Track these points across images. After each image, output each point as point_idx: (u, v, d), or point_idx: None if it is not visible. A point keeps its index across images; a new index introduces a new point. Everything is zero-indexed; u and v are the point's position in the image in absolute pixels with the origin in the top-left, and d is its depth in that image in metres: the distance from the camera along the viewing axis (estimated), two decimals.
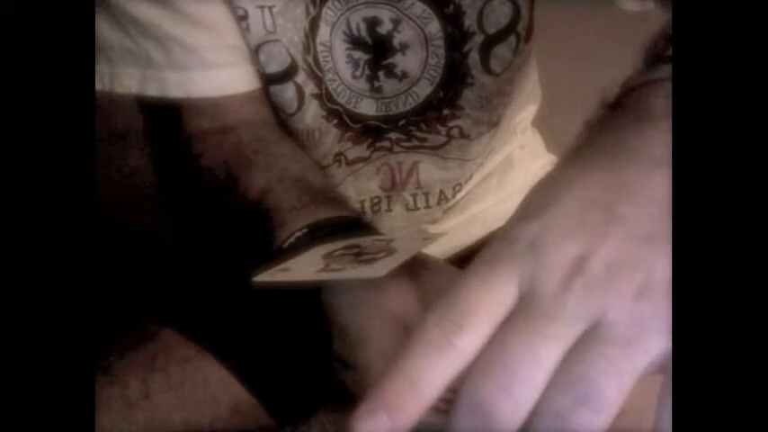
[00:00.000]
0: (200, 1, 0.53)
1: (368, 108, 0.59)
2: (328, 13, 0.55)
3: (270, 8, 0.54)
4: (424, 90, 0.58)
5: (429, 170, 0.63)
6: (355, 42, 0.56)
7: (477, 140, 0.62)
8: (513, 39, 0.57)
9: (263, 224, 0.48)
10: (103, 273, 0.41)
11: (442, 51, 0.57)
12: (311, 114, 0.59)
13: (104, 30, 0.55)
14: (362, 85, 0.58)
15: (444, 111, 0.60)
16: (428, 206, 0.64)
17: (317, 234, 0.44)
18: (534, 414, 0.24)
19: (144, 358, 0.54)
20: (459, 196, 0.65)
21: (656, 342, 0.24)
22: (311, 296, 0.40)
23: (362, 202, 0.63)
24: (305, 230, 0.44)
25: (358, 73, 0.57)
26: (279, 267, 0.39)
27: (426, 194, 0.64)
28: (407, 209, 0.64)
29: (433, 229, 0.66)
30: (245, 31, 0.55)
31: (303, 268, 0.38)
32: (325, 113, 0.59)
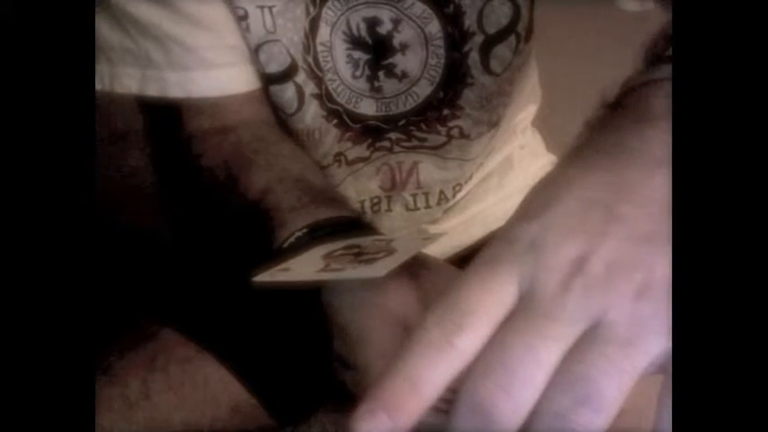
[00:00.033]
0: (200, 1, 0.53)
1: (368, 108, 0.59)
2: (328, 13, 0.55)
3: (270, 8, 0.54)
4: (424, 90, 0.58)
5: (429, 170, 0.63)
6: (355, 42, 0.56)
7: (477, 140, 0.62)
8: (513, 39, 0.57)
9: (263, 224, 0.48)
10: (103, 273, 0.41)
11: (442, 51, 0.57)
12: (311, 114, 0.59)
13: (104, 30, 0.55)
14: (362, 85, 0.58)
15: (444, 111, 0.60)
16: (428, 206, 0.64)
17: (317, 234, 0.44)
18: (534, 414, 0.24)
19: (144, 358, 0.54)
20: (459, 196, 0.65)
21: (655, 342, 0.24)
22: (311, 296, 0.40)
23: (362, 202, 0.63)
24: (305, 230, 0.44)
25: (358, 73, 0.57)
26: (279, 267, 0.39)
27: (426, 194, 0.64)
28: (407, 209, 0.64)
29: (433, 229, 0.66)
30: (245, 31, 0.55)
31: (303, 268, 0.38)
32: (325, 113, 0.59)
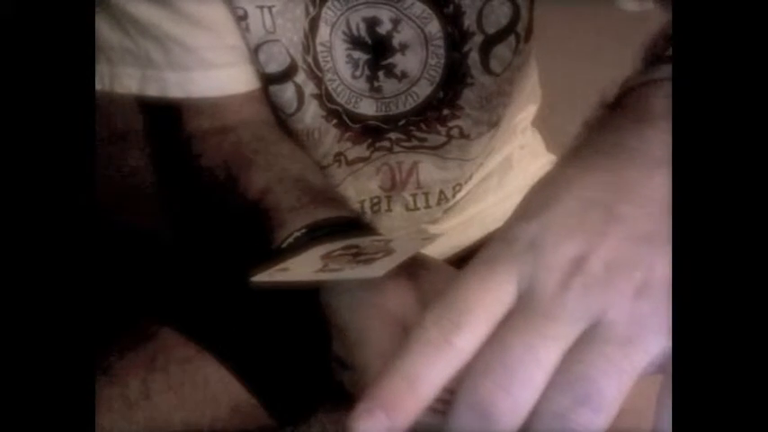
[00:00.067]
0: (200, 1, 0.53)
1: (367, 108, 0.59)
2: (328, 13, 0.55)
3: (269, 8, 0.54)
4: (423, 90, 0.58)
5: (429, 170, 0.63)
6: (355, 42, 0.56)
7: (477, 140, 0.62)
8: (512, 39, 0.57)
9: (263, 224, 0.48)
10: (103, 273, 0.41)
11: (441, 51, 0.57)
12: (311, 114, 0.59)
13: (104, 30, 0.55)
14: (362, 85, 0.58)
15: (444, 111, 0.60)
16: (428, 206, 0.64)
17: (316, 234, 0.44)
18: (534, 414, 0.24)
19: (144, 358, 0.54)
20: (458, 196, 0.65)
21: (655, 341, 0.24)
22: (310, 296, 0.40)
23: (362, 202, 0.63)
24: (304, 231, 0.44)
25: (358, 73, 0.57)
26: (277, 267, 0.39)
27: (426, 194, 0.64)
28: (407, 209, 0.64)
29: (432, 229, 0.66)
30: (244, 31, 0.55)
31: (302, 268, 0.38)
32: (324, 113, 0.59)
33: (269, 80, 0.57)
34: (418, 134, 0.61)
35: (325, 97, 0.58)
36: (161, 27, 0.54)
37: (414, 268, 0.39)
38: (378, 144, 0.61)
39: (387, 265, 0.35)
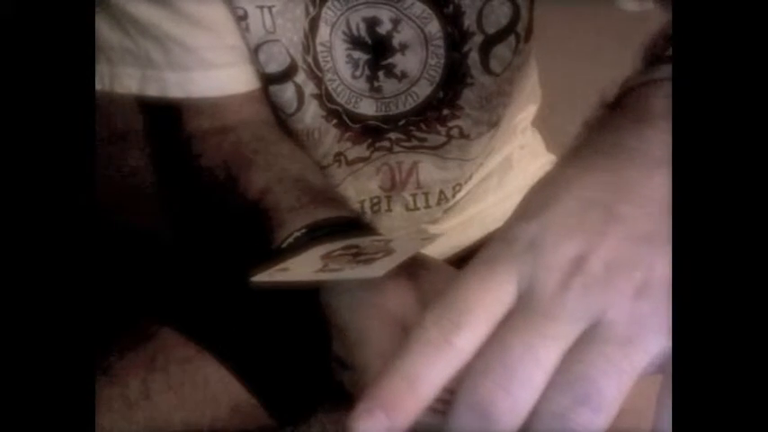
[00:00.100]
0: (200, 1, 0.53)
1: (367, 108, 0.59)
2: (328, 13, 0.55)
3: (269, 8, 0.54)
4: (423, 90, 0.58)
5: (429, 170, 0.63)
6: (355, 42, 0.56)
7: (477, 140, 0.62)
8: (512, 39, 0.57)
9: (263, 224, 0.48)
10: (103, 273, 0.41)
11: (441, 51, 0.57)
12: (311, 114, 0.59)
13: (104, 30, 0.55)
14: (362, 85, 0.58)
15: (444, 111, 0.60)
16: (428, 206, 0.64)
17: (316, 234, 0.44)
18: (534, 414, 0.24)
19: (144, 358, 0.54)
20: (458, 196, 0.65)
21: (655, 341, 0.24)
22: (310, 296, 0.40)
23: (362, 202, 0.63)
24: (303, 231, 0.44)
25: (358, 73, 0.57)
26: (277, 267, 0.39)
27: (426, 194, 0.64)
28: (407, 209, 0.64)
29: (432, 229, 0.66)
30: (244, 31, 0.55)
31: (301, 268, 0.38)
32: (324, 113, 0.59)
33: (269, 80, 0.57)
34: (418, 134, 0.61)
35: (325, 97, 0.58)
36: (161, 27, 0.54)
37: (414, 268, 0.39)
38: (378, 144, 0.61)
39: (387, 265, 0.35)
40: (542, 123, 0.74)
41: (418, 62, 0.57)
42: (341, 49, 0.56)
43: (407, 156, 0.62)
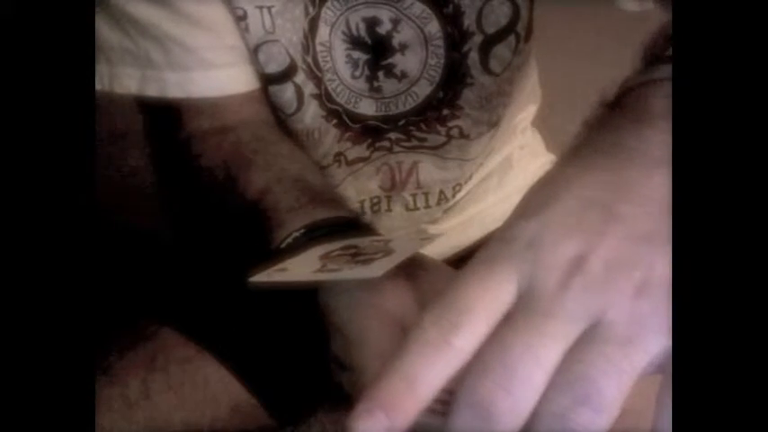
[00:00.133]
0: (200, 1, 0.53)
1: (367, 108, 0.59)
2: (327, 13, 0.55)
3: (269, 8, 0.54)
4: (423, 90, 0.58)
5: (429, 170, 0.63)
6: (355, 42, 0.56)
7: (477, 140, 0.62)
8: (512, 39, 0.57)
9: (262, 224, 0.48)
10: (103, 273, 0.41)
11: (441, 51, 0.57)
12: (311, 114, 0.59)
13: (104, 30, 0.55)
14: (362, 85, 0.58)
15: (444, 111, 0.60)
16: (428, 206, 0.64)
17: (315, 234, 0.44)
18: (534, 414, 0.24)
19: (144, 358, 0.54)
20: (458, 196, 0.65)
21: (655, 341, 0.24)
22: (309, 297, 0.40)
23: (362, 202, 0.63)
24: (302, 231, 0.44)
25: (357, 73, 0.57)
26: (276, 268, 0.39)
27: (426, 194, 0.64)
28: (407, 209, 0.64)
29: (432, 229, 0.66)
30: (244, 31, 0.55)
31: (300, 269, 0.38)
32: (324, 113, 0.59)
33: (269, 80, 0.57)
34: (418, 134, 0.61)
35: (324, 97, 0.58)
36: (161, 27, 0.54)
37: (412, 268, 0.39)
38: (378, 144, 0.61)
39: (385, 266, 0.35)
40: (542, 123, 0.74)
41: (418, 62, 0.57)
42: (340, 50, 0.56)
43: (407, 156, 0.62)
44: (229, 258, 0.57)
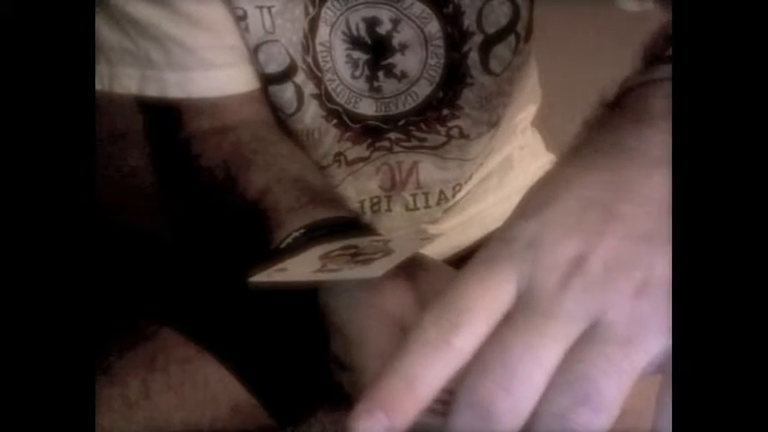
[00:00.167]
0: (200, 1, 0.53)
1: (367, 108, 0.59)
2: (327, 13, 0.55)
3: (269, 8, 0.54)
4: (423, 90, 0.58)
5: (429, 170, 0.63)
6: (354, 42, 0.56)
7: (477, 140, 0.62)
8: (512, 39, 0.57)
9: (262, 224, 0.48)
10: (103, 273, 0.41)
11: (441, 51, 0.57)
12: (311, 114, 0.59)
13: (104, 30, 0.55)
14: (362, 85, 0.58)
15: (444, 111, 0.60)
16: (428, 206, 0.64)
17: (315, 234, 0.44)
18: (534, 415, 0.24)
19: (144, 358, 0.54)
20: (458, 196, 0.65)
21: (655, 341, 0.24)
22: (308, 297, 0.40)
23: (362, 202, 0.63)
24: (302, 231, 0.44)
25: (357, 73, 0.57)
26: (276, 267, 0.39)
27: (426, 194, 0.64)
28: (407, 209, 0.64)
29: (432, 229, 0.66)
30: (244, 31, 0.55)
31: (300, 269, 0.38)
32: (324, 113, 0.59)
33: (269, 80, 0.57)
34: (418, 134, 0.61)
35: (324, 97, 0.58)
36: (161, 27, 0.54)
37: (412, 268, 0.39)
38: (377, 144, 0.61)
39: (385, 266, 0.35)
40: (542, 123, 0.74)
41: (418, 62, 0.57)
42: (340, 49, 0.56)
43: (407, 156, 0.62)
44: (229, 258, 0.57)
